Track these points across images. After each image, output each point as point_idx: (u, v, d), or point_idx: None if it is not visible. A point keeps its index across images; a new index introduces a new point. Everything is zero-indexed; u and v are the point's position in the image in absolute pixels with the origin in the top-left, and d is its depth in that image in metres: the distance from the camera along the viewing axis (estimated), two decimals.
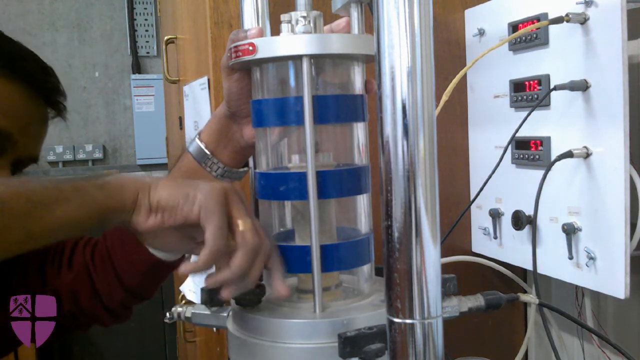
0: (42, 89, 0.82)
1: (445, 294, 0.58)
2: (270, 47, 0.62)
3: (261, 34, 0.68)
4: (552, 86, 1.00)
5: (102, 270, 0.82)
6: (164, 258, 0.74)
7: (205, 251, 0.59)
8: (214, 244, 0.59)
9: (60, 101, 0.85)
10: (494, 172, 1.07)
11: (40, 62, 0.83)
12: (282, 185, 0.63)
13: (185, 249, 0.64)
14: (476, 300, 0.60)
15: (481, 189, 1.09)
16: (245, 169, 0.83)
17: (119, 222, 0.63)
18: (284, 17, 0.64)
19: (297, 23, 0.63)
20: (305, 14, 0.64)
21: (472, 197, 1.21)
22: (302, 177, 0.62)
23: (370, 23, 0.50)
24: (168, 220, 0.61)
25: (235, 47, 0.64)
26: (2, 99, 0.77)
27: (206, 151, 0.79)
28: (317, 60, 0.64)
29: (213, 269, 0.62)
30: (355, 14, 0.67)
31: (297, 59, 0.62)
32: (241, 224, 0.60)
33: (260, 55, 0.62)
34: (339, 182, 0.64)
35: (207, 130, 0.80)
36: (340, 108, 0.64)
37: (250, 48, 0.62)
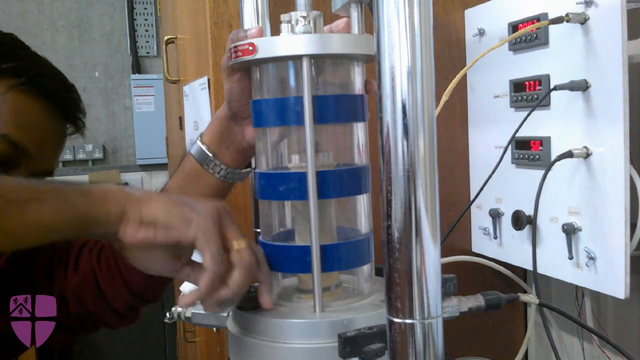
0: (63, 106, 0.83)
1: (445, 294, 0.58)
2: (270, 47, 0.62)
3: (261, 33, 0.68)
4: (552, 86, 1.00)
5: (107, 272, 0.82)
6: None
7: (206, 277, 0.58)
8: (215, 268, 0.58)
9: (80, 118, 0.86)
10: (494, 172, 1.07)
11: (63, 79, 0.84)
12: (282, 185, 0.63)
13: (168, 269, 0.62)
14: (476, 300, 0.60)
15: (481, 189, 1.09)
16: (248, 169, 0.82)
17: (103, 234, 0.60)
18: (284, 17, 0.64)
19: (297, 23, 0.63)
20: (305, 14, 0.64)
21: (472, 197, 1.21)
22: (302, 177, 0.62)
23: (370, 23, 0.50)
24: (159, 237, 0.59)
25: (235, 47, 0.64)
26: (22, 115, 0.77)
27: (208, 153, 0.79)
28: (317, 60, 0.64)
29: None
30: (355, 14, 0.67)
31: (297, 59, 0.62)
32: (237, 244, 0.60)
33: (260, 55, 0.62)
34: (339, 182, 0.63)
35: (208, 132, 0.80)
36: (340, 108, 0.64)
37: (250, 48, 0.62)
